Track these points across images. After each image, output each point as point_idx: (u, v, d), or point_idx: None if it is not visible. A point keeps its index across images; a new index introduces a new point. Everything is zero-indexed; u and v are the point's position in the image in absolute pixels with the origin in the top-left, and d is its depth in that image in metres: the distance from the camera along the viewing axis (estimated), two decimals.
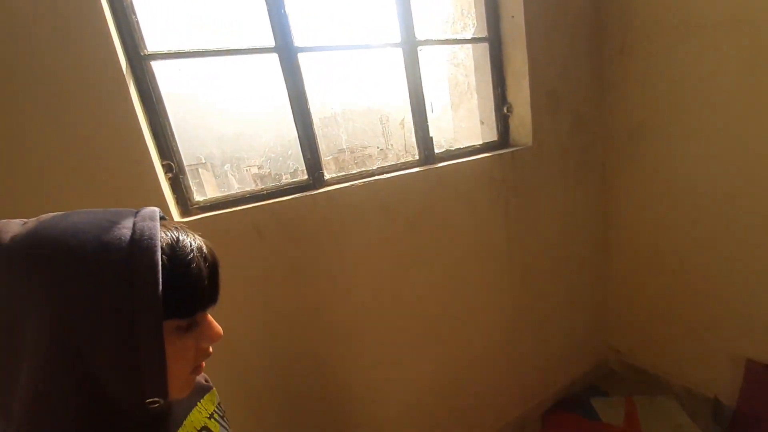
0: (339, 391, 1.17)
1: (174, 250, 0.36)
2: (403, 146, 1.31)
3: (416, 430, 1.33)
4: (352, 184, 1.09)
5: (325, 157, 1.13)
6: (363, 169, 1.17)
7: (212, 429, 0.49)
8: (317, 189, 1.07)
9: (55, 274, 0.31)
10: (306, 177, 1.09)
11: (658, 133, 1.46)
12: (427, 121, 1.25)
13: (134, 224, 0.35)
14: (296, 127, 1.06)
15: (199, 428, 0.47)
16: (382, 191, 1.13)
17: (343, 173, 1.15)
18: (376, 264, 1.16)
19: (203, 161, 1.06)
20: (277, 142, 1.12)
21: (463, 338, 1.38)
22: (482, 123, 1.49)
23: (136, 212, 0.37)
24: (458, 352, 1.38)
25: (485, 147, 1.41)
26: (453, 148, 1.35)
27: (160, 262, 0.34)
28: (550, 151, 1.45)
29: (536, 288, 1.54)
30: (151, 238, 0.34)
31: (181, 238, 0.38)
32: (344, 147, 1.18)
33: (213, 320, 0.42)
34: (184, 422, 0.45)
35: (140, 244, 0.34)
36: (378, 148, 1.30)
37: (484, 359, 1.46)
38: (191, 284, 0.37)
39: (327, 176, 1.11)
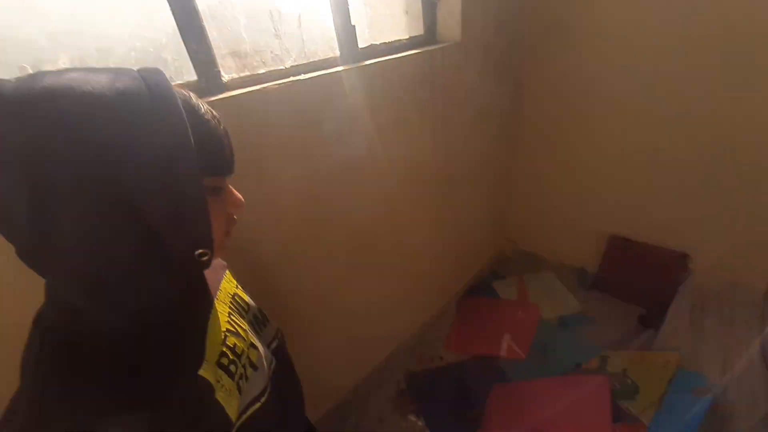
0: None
1: (188, 105, 0.35)
2: (318, 40, 1.04)
3: (347, 341, 1.38)
4: (263, 88, 0.84)
5: (221, 53, 0.83)
6: (273, 69, 0.92)
7: (242, 296, 0.55)
8: (215, 95, 0.80)
9: (86, 123, 0.28)
10: (195, 78, 0.80)
11: (572, 32, 1.47)
12: (347, 5, 1.00)
13: (143, 77, 0.32)
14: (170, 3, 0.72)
15: (231, 294, 0.52)
16: (301, 96, 0.91)
17: (248, 74, 0.88)
18: (301, 183, 1.00)
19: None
20: (142, 34, 0.75)
21: (395, 249, 1.40)
22: (406, 13, 1.28)
23: (137, 69, 0.34)
24: (392, 264, 1.41)
25: (412, 43, 1.24)
26: (378, 43, 1.14)
27: (183, 110, 0.33)
28: (476, 48, 1.36)
29: (456, 192, 1.60)
30: (168, 88, 0.33)
31: (191, 96, 0.36)
32: (245, 37, 0.87)
33: (234, 189, 0.42)
34: (219, 288, 0.50)
35: (159, 92, 0.32)
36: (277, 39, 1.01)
37: (412, 264, 1.52)
38: (214, 140, 0.37)
39: (226, 77, 0.83)
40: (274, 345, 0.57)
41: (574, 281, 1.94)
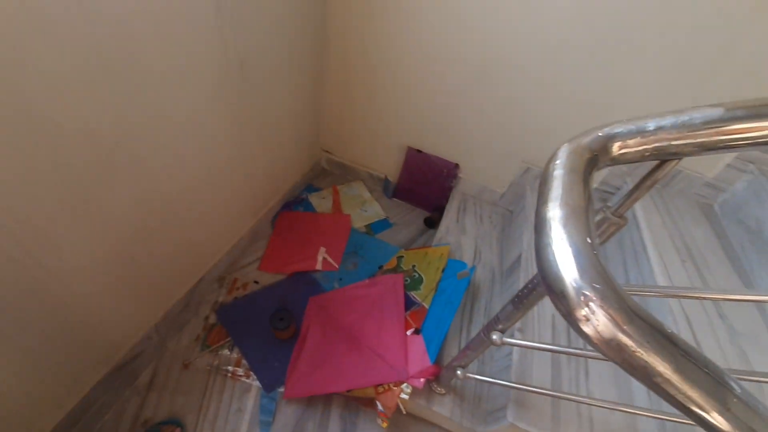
0: None
1: None
2: None
3: (117, 283, 1.07)
4: None
5: None
6: None
7: None
8: None
9: None
10: None
11: None
12: None
13: None
14: None
15: None
16: None
17: None
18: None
19: None
20: None
21: (171, 160, 1.06)
22: None
23: None
24: (169, 178, 1.08)
25: None
26: None
27: None
28: None
29: (261, 96, 1.32)
30: None
31: None
32: None
33: None
34: None
35: None
36: None
37: (208, 179, 1.23)
38: None
39: None
40: None
41: (380, 190, 2.11)
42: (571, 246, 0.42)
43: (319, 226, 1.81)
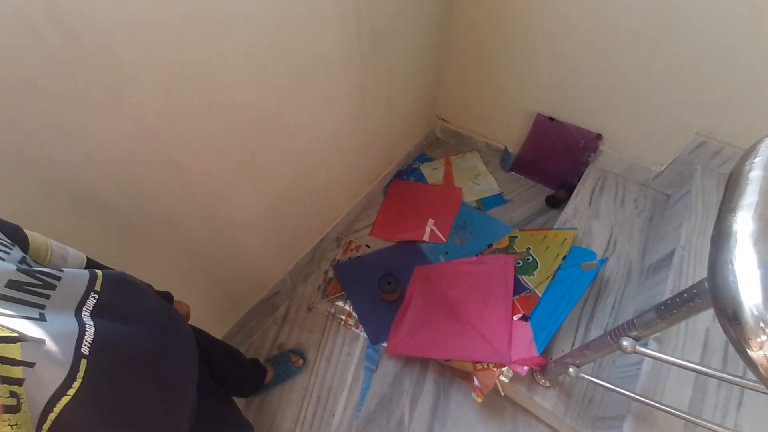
0: (181, 219, 0.91)
1: None
2: None
3: (268, 234, 1.27)
4: None
5: None
6: None
7: None
8: None
9: None
10: None
11: None
12: None
13: None
14: None
15: None
16: None
17: None
18: (183, 65, 0.68)
19: None
20: None
21: (311, 130, 1.17)
22: None
23: None
24: (309, 145, 1.20)
25: None
26: None
27: None
28: None
29: (385, 63, 1.33)
30: None
31: None
32: None
33: None
34: None
35: None
36: None
37: (336, 147, 1.34)
38: None
39: None
40: (94, 300, 0.42)
41: (497, 162, 1.97)
42: (760, 268, 0.33)
43: (429, 197, 1.82)
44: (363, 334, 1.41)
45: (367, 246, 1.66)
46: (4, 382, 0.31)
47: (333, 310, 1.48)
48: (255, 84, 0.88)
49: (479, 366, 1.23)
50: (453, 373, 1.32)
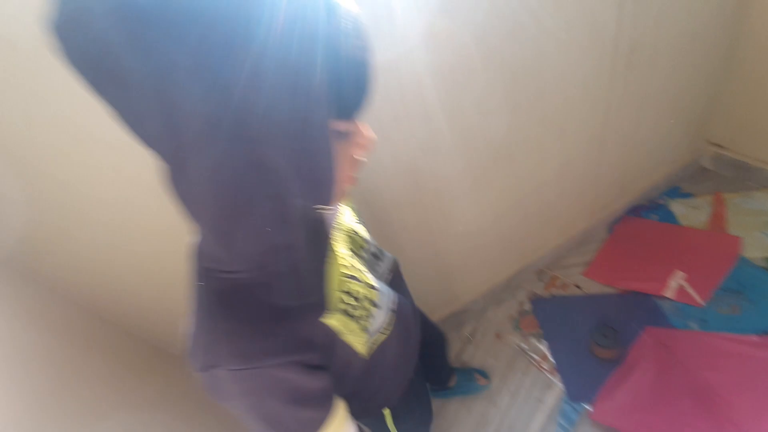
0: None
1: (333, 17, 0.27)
2: None
3: (471, 253, 1.27)
4: None
5: None
6: None
7: (360, 233, 0.54)
8: None
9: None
10: None
11: None
12: None
13: None
14: None
15: (350, 231, 0.52)
16: None
17: None
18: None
19: None
20: None
21: (536, 156, 1.11)
22: None
23: None
24: (532, 172, 1.15)
25: None
26: None
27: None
28: None
29: (642, 84, 1.12)
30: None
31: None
32: None
33: (365, 126, 0.37)
34: (337, 225, 0.50)
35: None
36: None
37: (559, 175, 1.23)
38: (359, 74, 0.30)
39: None
40: (390, 277, 0.59)
41: None
42: None
43: (681, 242, 1.38)
44: (559, 384, 1.19)
45: (577, 287, 1.42)
46: (372, 305, 0.48)
47: (526, 346, 1.33)
48: (495, 112, 0.92)
49: None
50: None
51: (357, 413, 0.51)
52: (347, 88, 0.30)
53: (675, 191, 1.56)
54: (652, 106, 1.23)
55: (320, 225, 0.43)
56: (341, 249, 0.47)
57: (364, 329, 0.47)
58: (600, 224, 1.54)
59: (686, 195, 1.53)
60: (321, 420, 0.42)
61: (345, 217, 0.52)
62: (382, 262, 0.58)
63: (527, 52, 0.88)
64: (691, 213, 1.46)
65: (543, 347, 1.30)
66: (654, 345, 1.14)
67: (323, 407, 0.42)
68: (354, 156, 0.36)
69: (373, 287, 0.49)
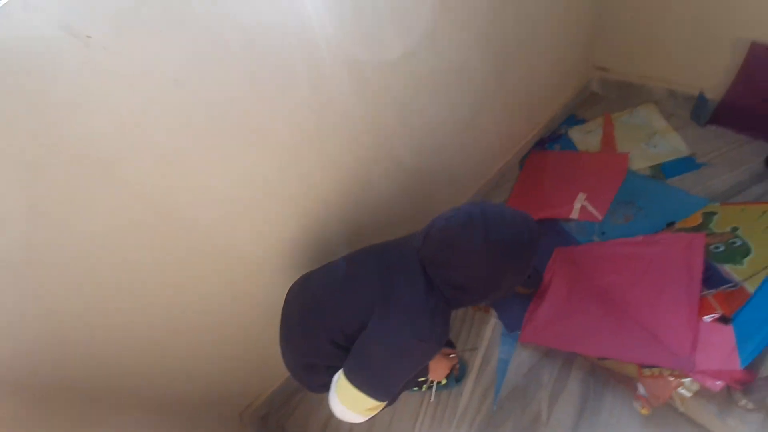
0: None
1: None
2: None
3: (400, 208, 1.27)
4: None
5: None
6: None
7: None
8: None
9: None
10: None
11: None
12: None
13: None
14: None
15: None
16: None
17: None
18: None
19: None
20: None
21: (443, 98, 1.12)
22: None
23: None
24: (440, 117, 1.16)
25: None
26: None
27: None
28: None
29: (519, 13, 1.15)
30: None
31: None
32: None
33: None
34: None
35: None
36: None
37: (471, 120, 1.26)
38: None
39: None
40: None
41: (686, 114, 1.49)
42: None
43: (580, 167, 1.52)
44: (494, 318, 1.32)
45: None
46: None
47: None
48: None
49: (647, 371, 0.99)
50: (609, 375, 1.10)
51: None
52: None
53: (571, 119, 1.69)
54: (541, 35, 1.27)
55: None
56: None
57: None
58: (511, 163, 1.63)
59: (580, 121, 1.67)
60: None
61: None
62: None
63: None
64: (586, 138, 1.60)
65: None
66: (563, 262, 1.29)
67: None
68: None
69: None
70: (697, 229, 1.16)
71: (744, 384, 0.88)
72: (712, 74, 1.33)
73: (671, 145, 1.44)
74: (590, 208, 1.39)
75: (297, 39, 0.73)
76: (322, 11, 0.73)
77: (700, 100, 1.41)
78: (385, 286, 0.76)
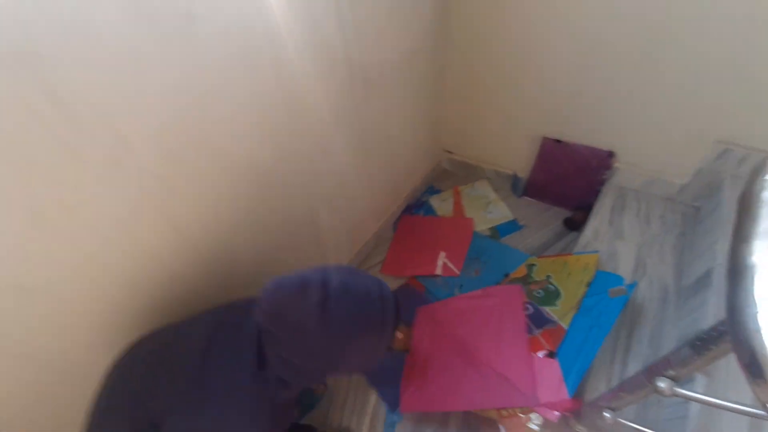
0: None
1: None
2: None
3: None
4: None
5: None
6: None
7: None
8: None
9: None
10: None
11: None
12: None
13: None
14: None
15: None
16: None
17: None
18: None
19: None
20: None
21: (309, 178, 1.18)
22: None
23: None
24: (311, 190, 1.21)
25: None
26: None
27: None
28: None
29: (380, 109, 1.35)
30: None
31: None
32: None
33: None
34: None
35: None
36: None
37: (347, 189, 1.35)
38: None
39: None
40: None
41: (508, 188, 1.92)
42: None
43: (439, 229, 1.76)
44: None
45: None
46: None
47: None
48: (250, 138, 0.90)
49: (504, 412, 1.11)
50: (478, 422, 1.19)
51: None
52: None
53: (431, 189, 1.99)
54: (395, 125, 1.50)
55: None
56: None
57: None
58: (386, 226, 1.79)
59: (437, 191, 1.97)
60: None
61: None
62: None
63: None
64: (442, 205, 1.89)
65: None
66: (425, 321, 1.40)
67: None
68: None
69: None
70: (523, 278, 1.44)
71: (574, 412, 1.03)
72: (521, 159, 1.79)
73: (501, 212, 1.82)
74: (450, 264, 1.59)
75: None
76: None
77: (515, 178, 1.86)
78: (205, 367, 0.61)
